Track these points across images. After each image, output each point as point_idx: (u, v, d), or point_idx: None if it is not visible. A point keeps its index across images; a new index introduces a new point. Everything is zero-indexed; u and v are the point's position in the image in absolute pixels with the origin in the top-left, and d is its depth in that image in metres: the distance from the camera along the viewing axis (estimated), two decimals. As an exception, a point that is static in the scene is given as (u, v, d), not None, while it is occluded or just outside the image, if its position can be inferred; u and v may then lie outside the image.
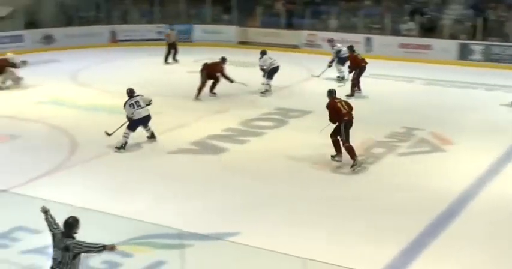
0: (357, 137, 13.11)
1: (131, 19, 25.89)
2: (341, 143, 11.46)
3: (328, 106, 11.67)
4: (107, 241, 6.46)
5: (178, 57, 21.88)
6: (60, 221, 6.56)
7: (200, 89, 16.48)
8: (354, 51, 17.56)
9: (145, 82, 18.31)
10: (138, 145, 12.85)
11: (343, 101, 11.94)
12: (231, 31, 24.80)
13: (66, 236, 6.43)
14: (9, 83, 17.81)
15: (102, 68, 21.11)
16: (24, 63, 18.04)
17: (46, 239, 8.58)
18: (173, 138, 13.28)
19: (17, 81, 17.80)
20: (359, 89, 17.06)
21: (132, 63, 21.76)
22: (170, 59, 21.73)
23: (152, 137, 13.10)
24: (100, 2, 25.56)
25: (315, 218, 9.45)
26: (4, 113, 14.99)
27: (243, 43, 24.62)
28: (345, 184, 10.95)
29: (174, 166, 11.72)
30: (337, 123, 11.48)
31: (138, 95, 12.85)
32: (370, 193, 10.50)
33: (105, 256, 8.08)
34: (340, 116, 11.44)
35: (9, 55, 17.84)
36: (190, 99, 16.40)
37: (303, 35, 23.87)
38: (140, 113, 12.63)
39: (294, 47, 23.87)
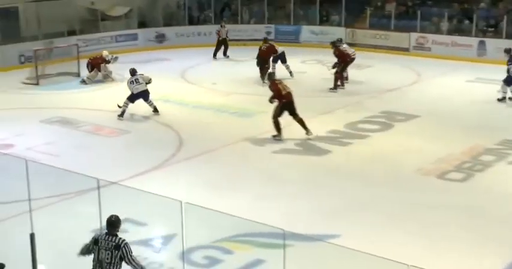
0: (465, 142, 12.75)
1: (240, 19, 26.27)
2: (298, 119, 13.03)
3: (271, 87, 13.26)
4: (209, 236, 6.59)
5: (228, 53, 22.50)
6: (171, 216, 6.71)
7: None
8: (338, 46, 17.79)
9: (251, 81, 18.59)
10: (242, 143, 13.06)
11: (284, 83, 13.44)
12: (338, 32, 24.57)
13: (111, 235, 6.52)
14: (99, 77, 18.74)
15: (211, 67, 21.56)
16: (115, 59, 18.99)
17: (151, 232, 8.91)
18: (276, 138, 13.39)
19: (108, 76, 18.75)
20: (342, 84, 17.43)
21: (240, 62, 22.08)
22: (220, 55, 22.37)
23: (155, 110, 15.00)
24: (210, 2, 26.09)
25: (417, 224, 9.26)
26: (117, 109, 15.60)
27: (351, 45, 24.30)
28: (450, 191, 10.65)
29: (277, 166, 11.81)
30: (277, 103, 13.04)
31: (139, 74, 15.09)
32: (475, 201, 10.16)
33: (207, 251, 8.28)
34: (280, 96, 12.96)
35: (105, 52, 18.93)
36: (294, 98, 16.43)
37: (413, 37, 23.37)
38: (138, 88, 14.84)
39: (403, 50, 23.41)
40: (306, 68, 20.99)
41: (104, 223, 6.60)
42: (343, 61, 17.57)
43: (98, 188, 6.54)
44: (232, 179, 11.14)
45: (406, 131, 13.98)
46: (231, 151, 12.66)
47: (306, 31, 24.96)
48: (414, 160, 11.98)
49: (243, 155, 12.46)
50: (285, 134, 13.36)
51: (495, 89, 16.62)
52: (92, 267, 6.56)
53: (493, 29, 22.66)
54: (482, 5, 23.79)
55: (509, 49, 16.69)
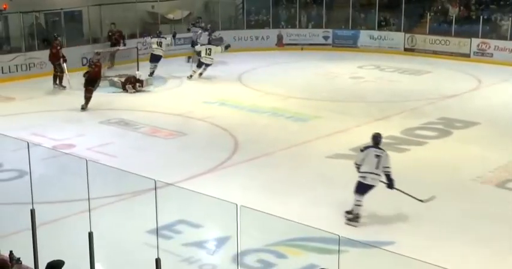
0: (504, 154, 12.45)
1: (298, 23, 26.27)
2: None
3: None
4: (263, 240, 6.62)
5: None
6: (226, 219, 6.76)
7: None
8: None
9: (307, 86, 18.58)
10: (297, 147, 13.06)
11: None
12: (397, 37, 24.37)
13: None
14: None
15: (268, 70, 21.64)
16: (174, 36, 21.11)
17: (206, 234, 8.99)
18: (332, 143, 13.35)
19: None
20: None
21: (297, 66, 22.10)
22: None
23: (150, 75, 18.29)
24: (268, 6, 26.17)
25: (475, 234, 9.08)
26: (174, 111, 15.85)
27: (409, 50, 24.11)
28: (510, 201, 10.40)
29: (331, 171, 11.77)
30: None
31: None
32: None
33: (260, 255, 8.31)
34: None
35: (138, 73, 18.45)
36: (350, 104, 16.39)
37: (474, 43, 22.92)
38: (153, 51, 19.58)
39: (464, 56, 22.99)
40: (363, 73, 20.85)
41: (160, 224, 6.70)
42: None
43: (155, 189, 6.64)
44: (287, 183, 11.16)
45: (465, 138, 13.74)
46: (285, 155, 12.68)
47: (364, 36, 24.78)
48: (473, 167, 11.75)
49: (298, 160, 12.46)
50: (338, 139, 13.32)
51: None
52: None
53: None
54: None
55: None
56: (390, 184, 9.65)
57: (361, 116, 15.33)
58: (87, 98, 15.83)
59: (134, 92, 17.78)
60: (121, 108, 16.13)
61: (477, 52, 22.83)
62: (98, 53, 19.34)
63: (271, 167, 11.99)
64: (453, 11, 24.57)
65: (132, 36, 22.56)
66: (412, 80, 19.47)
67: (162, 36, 20.13)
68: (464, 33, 23.42)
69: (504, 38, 22.63)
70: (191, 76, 19.61)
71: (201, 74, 19.70)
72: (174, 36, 21.63)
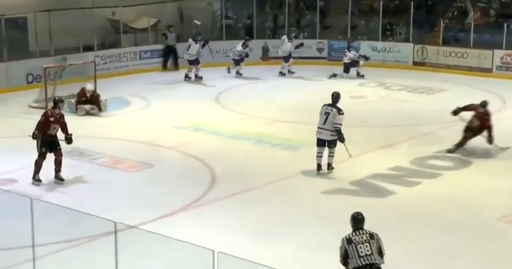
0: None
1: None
2: None
3: None
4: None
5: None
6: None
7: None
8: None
9: (299, 107, 18.66)
10: (286, 181, 13.08)
11: None
12: (405, 49, 24.66)
13: None
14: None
15: (252, 89, 21.75)
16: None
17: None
18: (329, 175, 13.38)
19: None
20: None
21: (286, 84, 22.22)
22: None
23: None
24: (252, 13, 26.38)
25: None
26: (138, 138, 15.80)
27: (420, 64, 24.37)
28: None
29: (327, 209, 11.77)
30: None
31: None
32: None
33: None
34: None
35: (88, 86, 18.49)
36: (350, 128, 16.46)
37: (497, 55, 23.20)
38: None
39: (485, 71, 23.27)
40: (365, 91, 21.03)
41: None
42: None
43: (115, 232, 6.63)
44: (274, 223, 11.13)
45: (486, 169, 13.81)
46: (273, 190, 12.68)
47: (366, 47, 25.00)
48: (497, 204, 11.81)
49: (287, 195, 12.46)
50: (336, 170, 13.37)
51: None
52: None
53: None
54: None
55: None
56: (339, 138, 13.26)
57: (362, 143, 15.40)
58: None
59: (84, 114, 17.82)
60: (74, 135, 16.05)
61: (501, 66, 23.11)
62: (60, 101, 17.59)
63: (255, 204, 11.98)
64: (470, 18, 24.89)
65: (89, 48, 22.56)
66: (423, 99, 19.62)
67: (198, 39, 22.66)
68: (485, 44, 23.73)
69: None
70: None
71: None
72: (204, 44, 22.76)
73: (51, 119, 12.88)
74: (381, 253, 8.08)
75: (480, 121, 14.58)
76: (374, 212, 11.62)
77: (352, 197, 12.35)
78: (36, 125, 12.87)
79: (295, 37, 24.06)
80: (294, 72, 23.41)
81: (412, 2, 24.82)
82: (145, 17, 24.94)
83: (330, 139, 13.33)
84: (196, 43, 22.45)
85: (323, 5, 26.68)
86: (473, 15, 24.99)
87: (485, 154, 14.67)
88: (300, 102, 19.28)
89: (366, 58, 23.02)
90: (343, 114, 13.36)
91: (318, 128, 13.40)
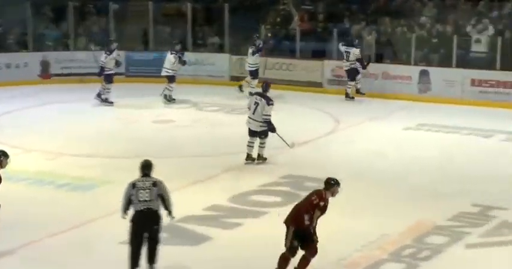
0: (405, 218, 13.08)
1: (74, 43, 26.19)
2: None
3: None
4: None
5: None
6: None
7: None
8: None
9: (93, 135, 18.48)
10: (77, 231, 12.82)
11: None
12: (220, 61, 25.00)
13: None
14: None
15: (30, 115, 21.27)
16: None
17: None
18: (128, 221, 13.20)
19: None
20: None
21: (76, 108, 21.89)
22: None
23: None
24: (24, 18, 25.77)
25: None
26: None
27: (238, 79, 24.54)
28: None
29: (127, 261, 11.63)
30: None
31: None
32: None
33: None
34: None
35: None
36: (158, 160, 16.39)
37: (328, 67, 23.95)
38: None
39: (315, 85, 23.94)
40: (174, 114, 21.12)
41: None
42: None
43: None
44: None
45: (321, 203, 14.16)
46: (60, 243, 12.37)
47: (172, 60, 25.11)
48: (333, 245, 12.02)
49: (77, 248, 12.18)
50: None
51: (452, 139, 17.38)
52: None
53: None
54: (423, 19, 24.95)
55: None
56: (270, 129, 16.08)
57: (173, 177, 15.24)
58: None
59: None
60: None
61: (332, 80, 23.87)
62: None
63: (34, 264, 11.67)
64: (297, 22, 25.60)
65: None
66: (242, 120, 19.93)
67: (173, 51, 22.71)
68: (314, 53, 24.50)
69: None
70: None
71: None
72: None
73: None
74: (164, 200, 10.84)
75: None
76: (186, 262, 11.67)
77: (160, 246, 12.23)
78: None
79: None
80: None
81: (226, 5, 25.23)
82: None
83: (259, 129, 16.17)
84: None
85: (118, 9, 26.52)
86: (297, 20, 25.68)
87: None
88: (94, 130, 19.08)
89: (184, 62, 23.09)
90: (272, 104, 16.09)
91: (248, 117, 16.37)
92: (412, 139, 18.82)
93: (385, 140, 18.65)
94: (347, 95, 22.88)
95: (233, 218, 13.41)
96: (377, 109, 21.89)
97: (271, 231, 12.76)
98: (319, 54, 24.77)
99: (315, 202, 10.92)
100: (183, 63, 22.88)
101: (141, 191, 10.65)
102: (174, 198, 13.57)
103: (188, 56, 25.07)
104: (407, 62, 23.67)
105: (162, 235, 12.30)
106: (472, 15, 24.42)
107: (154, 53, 25.36)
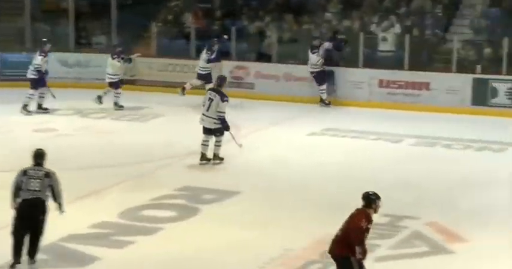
0: (310, 231, 13.08)
1: None
2: None
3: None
4: None
5: None
6: None
7: None
8: None
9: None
10: None
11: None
12: (105, 62, 24.72)
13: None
14: None
15: None
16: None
17: None
18: (5, 241, 12.82)
19: None
20: None
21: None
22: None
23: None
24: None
25: None
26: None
27: (129, 82, 24.38)
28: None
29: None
30: None
31: None
32: None
33: None
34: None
35: None
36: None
37: (227, 68, 23.96)
38: None
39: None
40: (56, 122, 20.93)
41: None
42: None
43: None
44: None
45: (219, 217, 14.10)
46: None
47: (54, 62, 24.70)
48: (235, 264, 12.04)
49: None
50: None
51: (357, 145, 17.55)
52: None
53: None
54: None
55: None
56: (224, 127, 16.56)
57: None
58: None
59: None
60: None
61: (232, 82, 23.88)
62: None
63: None
64: (192, 20, 25.57)
65: None
66: (134, 129, 19.78)
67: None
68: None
69: (269, 59, 24.03)
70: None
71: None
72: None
73: None
74: (54, 192, 11.47)
75: None
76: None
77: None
78: None
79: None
80: None
81: (113, 0, 25.03)
82: None
83: (213, 127, 16.67)
84: None
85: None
86: (192, 18, 25.66)
87: (215, 199, 15.01)
88: None
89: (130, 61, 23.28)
90: (227, 101, 16.65)
91: (202, 114, 16.69)
92: (317, 145, 18.94)
93: (289, 146, 18.70)
94: (322, 101, 23.08)
95: (123, 236, 13.24)
96: (280, 113, 21.93)
97: (165, 248, 12.75)
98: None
99: (364, 227, 10.49)
100: (129, 61, 23.25)
101: (32, 180, 11.24)
102: (56, 216, 13.42)
103: (68, 57, 24.82)
104: (309, 62, 23.80)
105: (41, 257, 12.09)
106: (378, 11, 24.69)
107: (32, 54, 24.85)
